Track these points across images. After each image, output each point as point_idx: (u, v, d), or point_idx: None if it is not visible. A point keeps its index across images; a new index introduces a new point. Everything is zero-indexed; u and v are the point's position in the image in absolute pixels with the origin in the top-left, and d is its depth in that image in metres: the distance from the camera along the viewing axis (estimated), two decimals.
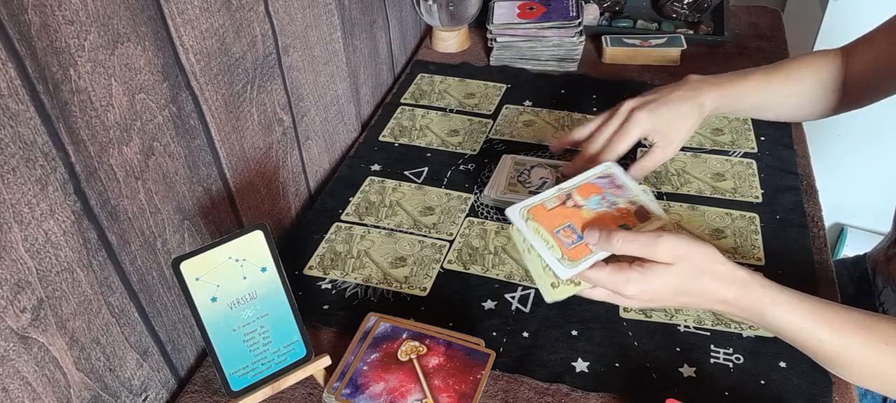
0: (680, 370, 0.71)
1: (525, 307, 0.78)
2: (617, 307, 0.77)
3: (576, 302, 0.78)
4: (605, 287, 0.63)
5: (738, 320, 0.64)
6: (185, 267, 0.61)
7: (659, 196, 0.92)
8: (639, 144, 0.99)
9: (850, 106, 0.85)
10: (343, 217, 0.92)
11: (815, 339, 0.61)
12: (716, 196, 0.92)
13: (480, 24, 1.28)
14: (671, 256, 0.61)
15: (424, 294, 0.81)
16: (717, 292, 0.61)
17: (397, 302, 0.80)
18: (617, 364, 0.72)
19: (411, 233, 0.89)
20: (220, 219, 0.78)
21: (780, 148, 0.99)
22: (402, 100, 1.15)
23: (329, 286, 0.83)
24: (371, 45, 1.13)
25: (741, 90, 0.84)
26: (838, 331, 0.60)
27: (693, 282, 0.61)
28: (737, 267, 0.62)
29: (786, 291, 0.62)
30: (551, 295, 0.66)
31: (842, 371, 0.63)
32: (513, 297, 0.79)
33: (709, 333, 0.74)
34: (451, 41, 1.29)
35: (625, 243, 0.61)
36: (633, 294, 0.62)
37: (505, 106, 1.13)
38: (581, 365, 0.72)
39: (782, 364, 0.70)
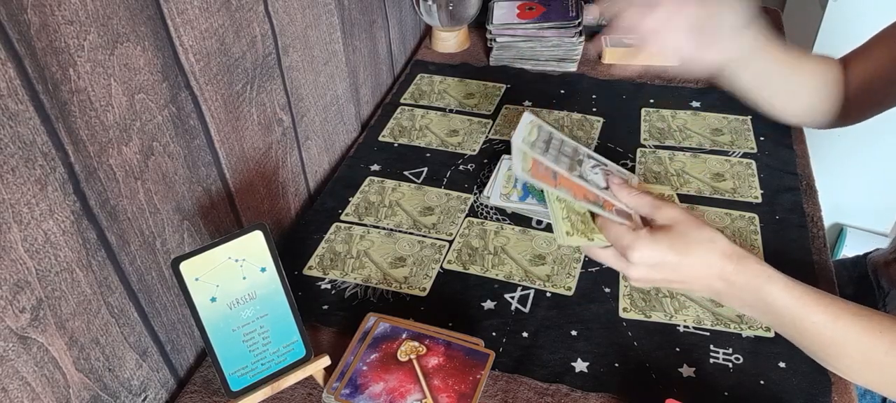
0: (679, 370, 0.71)
1: (524, 307, 0.78)
2: (615, 307, 0.77)
3: (575, 301, 0.78)
4: (617, 243, 0.64)
5: (737, 302, 0.64)
6: (185, 267, 0.61)
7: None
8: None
9: (847, 120, 0.84)
10: (342, 217, 0.92)
11: (809, 321, 0.60)
12: (715, 196, 0.92)
13: (480, 24, 1.29)
14: (673, 219, 0.63)
15: (424, 294, 0.81)
16: (717, 264, 0.62)
17: (397, 302, 0.80)
18: (616, 365, 0.72)
19: (411, 233, 0.89)
20: (220, 219, 0.78)
21: (779, 148, 0.99)
22: (402, 101, 1.15)
23: (328, 286, 0.83)
24: (371, 45, 1.13)
25: (767, 45, 0.78)
26: (833, 316, 0.60)
27: (695, 251, 0.62)
28: (735, 244, 0.63)
29: (781, 273, 0.62)
30: (565, 240, 0.67)
31: (837, 362, 0.62)
32: (512, 297, 0.79)
33: (708, 333, 0.74)
34: (450, 41, 1.29)
35: (634, 196, 0.65)
36: (639, 259, 0.63)
37: (504, 106, 1.13)
38: (581, 365, 0.72)
39: (782, 365, 0.70)
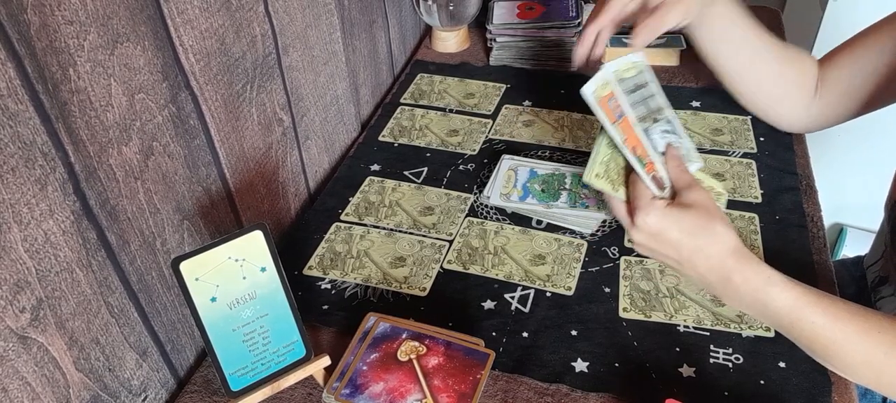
0: (679, 370, 0.71)
1: (525, 307, 0.78)
2: (615, 307, 0.77)
3: (575, 301, 0.78)
4: (633, 200, 0.66)
5: (735, 300, 0.64)
6: (185, 267, 0.61)
7: None
8: None
9: (827, 118, 0.84)
10: (343, 217, 0.92)
11: (808, 321, 0.61)
12: None
13: (480, 24, 1.28)
14: (696, 201, 0.64)
15: (424, 294, 0.81)
16: (717, 257, 0.62)
17: (397, 302, 0.80)
18: (616, 365, 0.72)
19: (411, 233, 0.89)
20: (220, 219, 0.78)
21: (779, 148, 0.99)
22: (402, 100, 1.15)
23: (328, 286, 0.83)
24: (371, 45, 1.13)
25: (751, 21, 0.83)
26: (832, 316, 0.60)
27: (701, 237, 0.62)
28: (744, 246, 0.64)
29: (781, 274, 0.63)
30: (592, 180, 0.68)
31: (836, 362, 0.62)
32: (512, 297, 0.79)
33: (708, 333, 0.74)
34: (450, 41, 1.29)
35: (678, 169, 0.67)
36: (643, 224, 0.64)
37: (504, 106, 1.13)
38: (581, 365, 0.72)
39: (782, 365, 0.70)
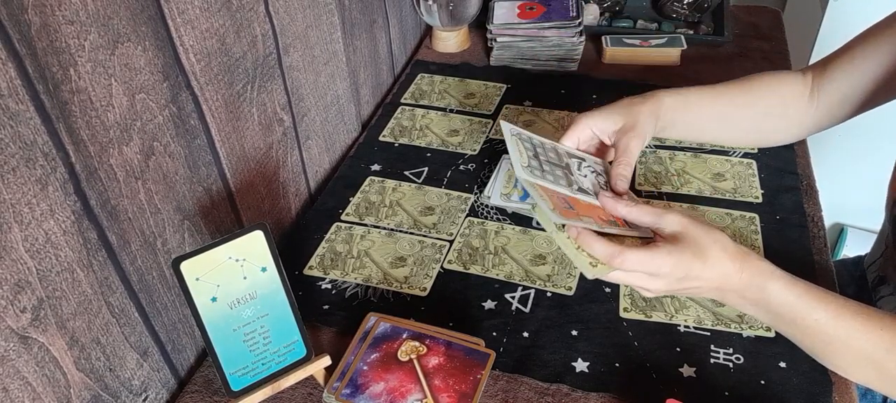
0: (680, 370, 0.71)
1: (525, 307, 0.78)
2: (616, 307, 0.77)
3: (575, 301, 0.78)
4: (641, 268, 0.63)
5: (738, 300, 0.64)
6: (186, 266, 0.61)
7: (659, 196, 0.92)
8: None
9: (827, 122, 0.84)
10: (343, 217, 0.92)
11: (811, 318, 0.61)
12: (716, 196, 0.92)
13: (480, 24, 1.29)
14: (678, 225, 0.63)
15: (424, 294, 0.81)
16: (724, 265, 0.62)
17: (397, 302, 0.80)
18: (617, 364, 0.72)
19: (411, 233, 0.89)
20: (221, 219, 0.78)
21: (780, 148, 0.99)
22: (403, 100, 1.15)
23: (329, 286, 0.83)
24: (371, 45, 1.13)
25: (697, 95, 0.85)
26: (835, 313, 0.60)
27: (710, 256, 0.62)
28: (737, 244, 0.64)
29: (783, 271, 0.63)
30: (591, 272, 0.65)
31: (837, 360, 0.62)
32: (513, 297, 0.79)
33: (709, 333, 0.74)
34: (451, 41, 1.29)
35: (634, 210, 0.66)
36: (668, 272, 0.62)
37: (505, 106, 1.13)
38: (581, 365, 0.72)
39: (782, 365, 0.70)
